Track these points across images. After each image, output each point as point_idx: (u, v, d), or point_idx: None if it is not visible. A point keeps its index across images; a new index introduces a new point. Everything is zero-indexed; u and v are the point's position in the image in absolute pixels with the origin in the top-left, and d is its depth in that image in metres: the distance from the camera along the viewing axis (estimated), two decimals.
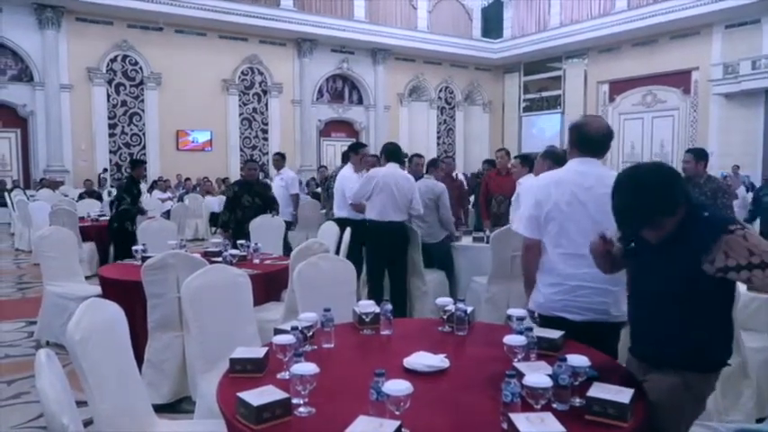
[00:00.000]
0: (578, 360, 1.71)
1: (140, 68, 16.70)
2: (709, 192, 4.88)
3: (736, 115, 16.32)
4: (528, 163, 5.39)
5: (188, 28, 17.01)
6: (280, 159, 7.72)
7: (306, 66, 19.09)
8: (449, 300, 2.56)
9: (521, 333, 2.04)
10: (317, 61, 19.33)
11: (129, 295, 3.67)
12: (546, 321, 2.34)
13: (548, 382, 1.58)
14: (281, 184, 7.37)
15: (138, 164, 6.84)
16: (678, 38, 17.44)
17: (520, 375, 1.66)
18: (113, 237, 6.52)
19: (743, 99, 16.09)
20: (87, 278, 5.36)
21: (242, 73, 18.33)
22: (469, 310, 2.47)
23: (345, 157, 6.32)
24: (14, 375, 3.82)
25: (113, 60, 16.37)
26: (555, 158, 4.44)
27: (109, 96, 16.40)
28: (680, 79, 17.70)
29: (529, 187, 2.50)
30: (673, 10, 16.60)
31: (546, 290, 2.39)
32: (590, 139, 2.43)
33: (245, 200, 5.86)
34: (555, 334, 2.14)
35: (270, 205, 6.03)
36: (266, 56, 18.54)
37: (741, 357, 2.79)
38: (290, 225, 6.92)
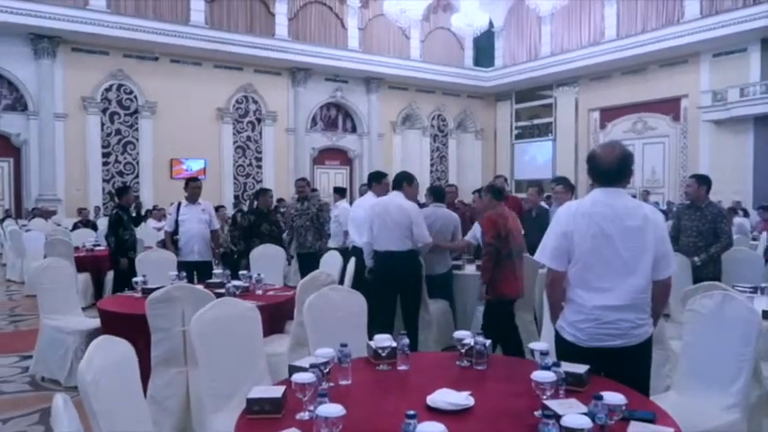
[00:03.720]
0: (614, 398, 1.66)
1: (135, 97, 16.72)
2: (709, 216, 4.89)
3: (726, 142, 16.52)
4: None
5: (183, 58, 17.10)
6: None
7: (300, 94, 19.21)
8: (467, 333, 2.50)
9: (547, 368, 1.98)
10: (311, 90, 19.46)
11: (130, 329, 3.57)
12: (573, 350, 2.29)
13: (587, 423, 1.52)
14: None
15: (124, 191, 6.48)
16: (667, 66, 17.73)
17: (555, 415, 1.60)
18: (119, 269, 6.15)
19: (732, 126, 16.31)
20: (83, 309, 5.24)
21: (236, 101, 18.40)
22: (488, 343, 2.41)
23: (368, 186, 6.10)
24: (10, 413, 3.68)
25: (108, 89, 16.38)
26: (495, 193, 4.48)
27: (103, 125, 16.36)
28: (669, 106, 17.94)
29: (556, 217, 2.44)
30: (661, 39, 16.91)
31: (572, 318, 2.33)
32: (600, 170, 2.38)
33: (264, 228, 5.78)
34: (581, 369, 2.08)
35: (281, 235, 5.96)
36: (261, 85, 18.65)
37: (762, 390, 2.73)
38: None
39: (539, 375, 1.90)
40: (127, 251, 6.01)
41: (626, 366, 2.21)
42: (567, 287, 2.36)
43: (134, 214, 6.67)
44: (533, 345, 2.30)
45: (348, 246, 6.33)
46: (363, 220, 5.06)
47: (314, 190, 8.10)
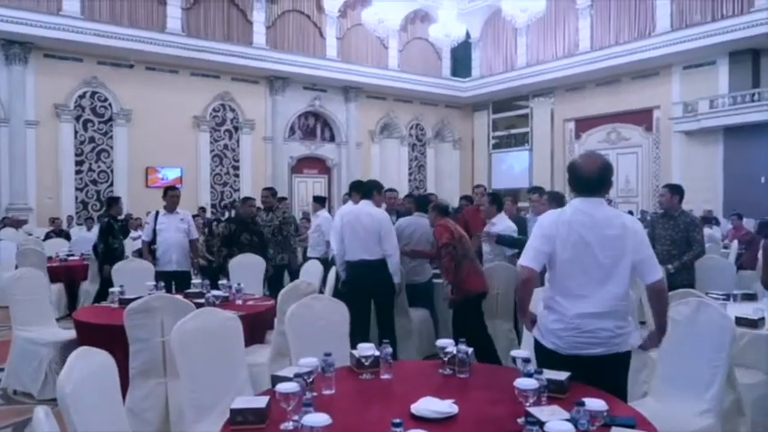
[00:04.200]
0: (596, 404, 1.69)
1: (110, 105, 16.48)
2: (682, 225, 5.01)
3: (697, 152, 16.93)
4: (497, 202, 5.49)
5: (159, 65, 16.93)
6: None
7: (278, 103, 19.15)
8: (449, 341, 2.52)
9: (529, 376, 2.01)
10: (289, 98, 19.41)
11: (107, 340, 3.51)
12: (554, 358, 2.31)
13: (570, 429, 1.55)
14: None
15: (114, 201, 6.53)
16: (639, 78, 18.13)
17: (538, 422, 1.63)
18: (104, 278, 6.08)
19: (702, 137, 16.72)
20: (57, 321, 5.12)
21: (213, 110, 18.26)
22: (470, 351, 2.43)
23: (349, 195, 6.02)
24: None
25: (82, 97, 16.12)
26: (440, 210, 4.71)
27: (76, 133, 16.08)
28: (642, 117, 18.32)
29: (539, 223, 2.48)
30: (633, 52, 17.29)
31: (552, 326, 2.37)
32: (581, 180, 2.42)
33: (244, 238, 5.71)
34: (562, 376, 2.12)
35: (265, 245, 5.90)
36: (238, 93, 18.55)
37: (735, 395, 2.80)
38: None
39: (521, 383, 1.93)
40: (115, 260, 5.91)
41: (605, 374, 2.25)
42: (547, 295, 2.40)
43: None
44: (515, 352, 2.32)
45: (330, 256, 6.30)
46: None
47: (282, 199, 8.01)
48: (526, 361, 2.16)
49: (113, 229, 6.21)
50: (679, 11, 16.77)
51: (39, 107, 15.41)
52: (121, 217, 6.68)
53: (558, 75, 19.44)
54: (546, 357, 2.36)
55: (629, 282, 2.33)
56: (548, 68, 19.72)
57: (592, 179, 2.39)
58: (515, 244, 5.07)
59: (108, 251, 6.10)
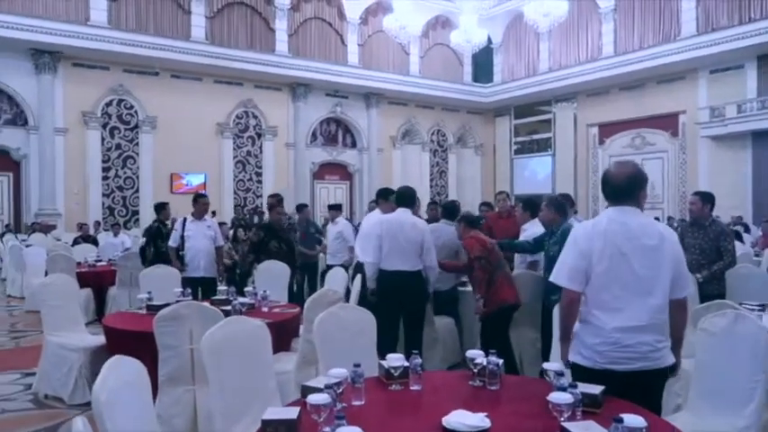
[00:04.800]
0: (634, 420, 1.65)
1: (135, 112, 16.77)
2: (712, 234, 4.90)
3: (725, 157, 16.61)
4: (530, 208, 5.37)
5: (184, 73, 17.18)
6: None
7: (300, 109, 19.28)
8: (478, 352, 2.49)
9: (563, 389, 1.97)
10: (311, 105, 19.55)
11: (136, 346, 3.55)
12: (590, 374, 2.26)
13: None
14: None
15: (162, 206, 6.81)
16: (665, 82, 17.88)
17: None
18: None
19: (730, 142, 16.41)
20: (85, 325, 5.20)
21: (237, 117, 18.47)
22: (500, 362, 2.40)
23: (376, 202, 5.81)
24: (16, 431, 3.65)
25: (109, 104, 16.43)
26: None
27: (103, 140, 16.39)
28: (668, 122, 18.05)
29: (573, 236, 2.43)
30: (658, 56, 17.06)
31: (589, 341, 2.31)
32: (609, 187, 2.39)
33: (273, 245, 5.72)
34: (596, 389, 2.07)
35: (293, 252, 5.91)
36: (261, 100, 18.73)
37: None
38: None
39: (556, 397, 1.89)
40: (164, 262, 6.00)
41: (641, 389, 2.19)
42: (584, 308, 2.35)
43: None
44: (548, 365, 2.29)
45: (353, 262, 6.28)
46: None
47: (303, 206, 7.95)
48: (559, 374, 2.12)
49: (162, 233, 6.43)
50: (705, 14, 16.51)
51: (67, 115, 15.74)
52: (168, 221, 6.82)
53: (581, 79, 19.27)
54: (578, 371, 2.32)
55: (668, 294, 2.27)
56: (571, 73, 19.56)
57: (620, 186, 2.36)
58: (514, 248, 5.04)
59: (157, 254, 6.32)
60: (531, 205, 5.34)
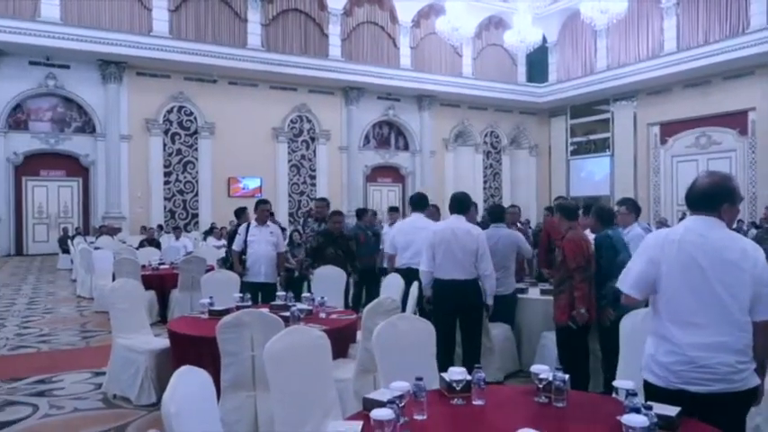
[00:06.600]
0: None
1: (195, 118, 17.33)
2: None
3: None
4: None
5: (241, 79, 17.65)
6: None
7: (353, 113, 19.46)
8: (544, 367, 2.41)
9: (636, 410, 1.88)
10: (363, 108, 19.69)
11: (198, 351, 3.65)
12: (662, 393, 2.15)
13: None
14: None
15: (242, 211, 7.21)
16: (731, 78, 17.06)
17: None
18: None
19: None
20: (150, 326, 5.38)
21: (291, 121, 18.80)
22: (567, 378, 2.32)
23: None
24: (87, 430, 3.80)
25: (170, 111, 17.06)
26: (567, 212, 4.15)
27: (165, 146, 17.03)
28: (736, 120, 17.22)
29: (644, 244, 2.33)
30: (725, 51, 16.31)
31: (663, 359, 2.18)
32: (690, 193, 2.28)
33: (329, 252, 5.78)
34: (672, 411, 1.97)
35: (352, 259, 5.94)
36: (314, 104, 19.01)
37: None
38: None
39: (630, 419, 1.81)
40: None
41: (720, 413, 2.04)
42: (657, 321, 2.23)
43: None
44: (619, 383, 2.19)
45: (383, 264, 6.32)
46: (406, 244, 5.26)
47: (364, 211, 8.00)
48: (632, 394, 2.02)
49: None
50: None
51: (131, 122, 16.44)
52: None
53: (641, 77, 18.65)
54: (650, 390, 2.20)
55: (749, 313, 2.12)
56: (630, 71, 18.95)
57: (700, 193, 2.24)
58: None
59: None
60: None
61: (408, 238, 5.47)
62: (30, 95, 15.57)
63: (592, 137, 21.79)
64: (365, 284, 6.89)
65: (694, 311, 2.11)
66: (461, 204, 4.49)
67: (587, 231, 4.36)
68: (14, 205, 15.71)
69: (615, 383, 2.21)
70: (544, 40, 20.27)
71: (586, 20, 16.45)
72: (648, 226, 6.05)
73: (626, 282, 2.29)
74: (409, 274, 4.98)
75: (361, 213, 7.93)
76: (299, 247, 7.84)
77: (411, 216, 5.66)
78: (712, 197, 2.22)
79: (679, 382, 2.11)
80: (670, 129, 19.00)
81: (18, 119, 15.64)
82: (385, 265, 6.26)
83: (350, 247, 6.02)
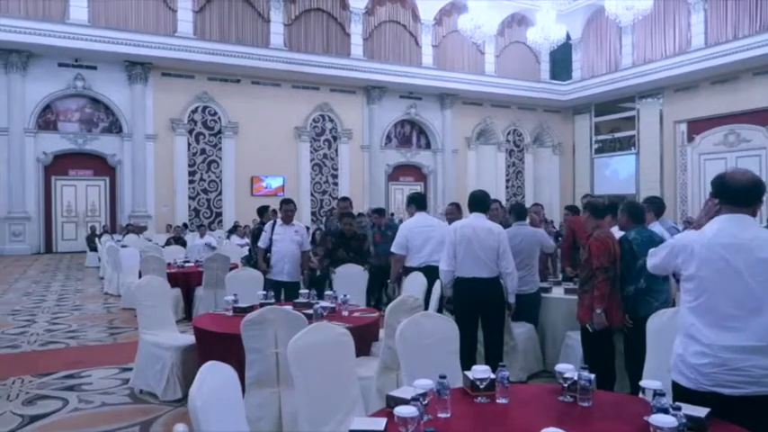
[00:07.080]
0: None
1: (219, 118, 17.52)
2: None
3: None
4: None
5: (263, 79, 17.79)
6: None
7: (374, 112, 19.48)
8: (569, 366, 2.39)
9: (664, 411, 1.85)
10: (385, 107, 19.70)
11: (223, 348, 3.69)
12: (692, 395, 2.11)
13: None
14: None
15: (264, 210, 7.42)
16: (762, 74, 16.67)
17: None
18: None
19: None
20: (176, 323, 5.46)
21: (313, 120, 18.90)
22: (592, 377, 2.29)
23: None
24: (112, 425, 3.86)
25: (194, 111, 17.28)
26: (594, 210, 4.05)
27: (189, 145, 17.25)
28: (766, 117, 16.81)
29: (672, 240, 2.37)
30: (755, 46, 15.94)
31: (693, 360, 2.14)
32: (730, 189, 2.20)
33: (340, 254, 5.82)
34: (701, 412, 1.93)
35: (363, 261, 5.97)
36: (337, 103, 19.08)
37: None
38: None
39: (658, 420, 1.78)
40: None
41: (752, 415, 1.99)
42: (687, 322, 2.18)
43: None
44: (646, 383, 2.16)
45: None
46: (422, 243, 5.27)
47: (378, 211, 7.96)
48: (660, 394, 1.99)
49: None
50: None
51: (157, 122, 16.68)
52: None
53: (667, 74, 18.33)
54: (679, 391, 2.17)
55: None
56: (656, 68, 18.65)
57: (743, 189, 2.18)
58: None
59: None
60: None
61: (423, 237, 5.43)
62: (59, 96, 15.90)
63: (617, 135, 21.49)
64: (385, 282, 6.91)
65: (728, 314, 2.06)
66: (481, 203, 4.46)
67: (614, 229, 4.28)
68: (44, 204, 16.07)
69: (642, 383, 2.18)
70: (568, 37, 20.08)
71: (611, 16, 16.24)
72: (675, 224, 5.92)
73: (654, 258, 2.45)
74: (429, 272, 4.97)
75: (378, 213, 7.92)
76: (318, 246, 7.89)
77: (415, 216, 5.61)
78: (754, 195, 2.17)
79: (710, 384, 2.07)
80: (697, 126, 18.65)
81: (47, 119, 15.99)
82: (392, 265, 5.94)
83: (362, 247, 6.04)
